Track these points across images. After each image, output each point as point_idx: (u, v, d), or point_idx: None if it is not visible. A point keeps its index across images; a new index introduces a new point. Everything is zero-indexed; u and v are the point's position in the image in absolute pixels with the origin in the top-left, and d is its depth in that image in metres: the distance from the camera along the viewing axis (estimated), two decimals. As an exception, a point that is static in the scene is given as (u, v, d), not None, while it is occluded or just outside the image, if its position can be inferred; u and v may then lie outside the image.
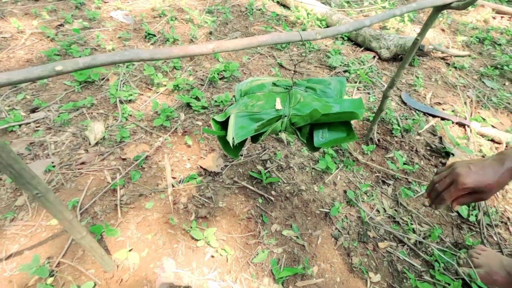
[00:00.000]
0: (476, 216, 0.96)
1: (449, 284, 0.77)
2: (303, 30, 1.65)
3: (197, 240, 0.81)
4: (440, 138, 1.21)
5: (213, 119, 0.59)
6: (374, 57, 1.68)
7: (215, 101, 1.27)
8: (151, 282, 0.74)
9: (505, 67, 1.69)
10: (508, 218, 0.97)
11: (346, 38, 1.81)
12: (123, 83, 1.37)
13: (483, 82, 1.63)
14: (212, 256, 0.80)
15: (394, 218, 0.93)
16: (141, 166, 1.02)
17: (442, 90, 1.53)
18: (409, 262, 0.83)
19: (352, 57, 1.67)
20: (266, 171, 1.02)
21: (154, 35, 1.72)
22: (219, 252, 0.80)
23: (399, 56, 1.68)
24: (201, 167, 1.02)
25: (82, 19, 1.76)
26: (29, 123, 1.16)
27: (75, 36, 1.60)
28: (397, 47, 1.60)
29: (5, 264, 0.75)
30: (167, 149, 1.09)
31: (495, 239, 0.91)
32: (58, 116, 1.16)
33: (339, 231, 0.88)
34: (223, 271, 0.77)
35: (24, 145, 1.08)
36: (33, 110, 1.22)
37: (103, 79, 1.38)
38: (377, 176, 1.06)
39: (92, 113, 1.22)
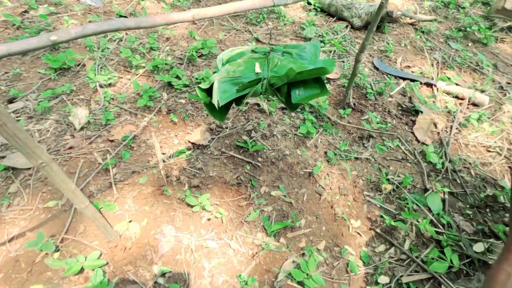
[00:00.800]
0: (442, 164, 1.07)
1: (418, 221, 0.87)
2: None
3: (192, 206, 0.86)
4: (410, 98, 1.30)
5: (199, 87, 0.63)
6: (347, 26, 1.73)
7: (196, 79, 1.30)
8: (154, 247, 0.79)
9: (468, 29, 1.79)
10: (470, 163, 1.09)
11: (319, 10, 1.84)
12: (101, 68, 1.35)
13: (448, 44, 1.72)
14: (208, 219, 0.86)
15: (371, 171, 1.02)
16: (130, 145, 1.05)
17: (411, 54, 1.61)
18: (385, 208, 0.93)
19: (326, 27, 1.72)
20: (252, 140, 1.07)
21: (126, 17, 1.68)
22: (214, 215, 0.86)
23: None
24: (189, 141, 1.06)
25: (48, 4, 1.68)
26: (16, 110, 1.15)
27: (43, 23, 1.54)
28: (368, 15, 1.66)
29: (9, 246, 0.78)
30: (154, 128, 1.12)
31: (459, 181, 1.03)
32: (38, 105, 1.15)
33: (322, 187, 0.97)
34: (219, 231, 0.84)
35: (7, 135, 1.07)
36: (10, 101, 1.20)
37: (79, 65, 1.36)
38: (354, 136, 1.14)
39: (72, 99, 1.21)
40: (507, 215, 0.94)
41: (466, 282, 0.78)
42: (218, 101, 0.57)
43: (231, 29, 1.64)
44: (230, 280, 0.75)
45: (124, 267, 0.75)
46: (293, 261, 0.78)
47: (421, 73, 1.47)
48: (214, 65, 0.78)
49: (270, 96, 0.64)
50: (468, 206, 0.97)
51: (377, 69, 1.47)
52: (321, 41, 1.58)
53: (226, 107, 0.65)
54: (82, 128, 1.10)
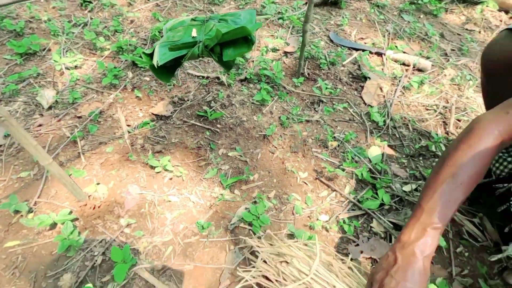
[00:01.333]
0: (384, 121, 1.19)
1: (356, 168, 1.00)
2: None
3: (155, 167, 0.96)
4: (359, 66, 1.41)
5: (143, 52, 0.71)
6: (305, 3, 1.81)
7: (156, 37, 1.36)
8: (120, 204, 0.89)
9: (420, 1, 1.90)
10: (408, 120, 1.21)
11: (280, -12, 1.91)
12: (66, 51, 1.40)
13: (401, 17, 1.84)
14: (170, 179, 0.96)
15: (320, 131, 1.13)
16: (97, 120, 1.12)
17: (365, 27, 1.72)
18: (330, 160, 1.04)
19: (286, 4, 1.79)
20: (211, 109, 1.16)
21: (91, 2, 1.71)
22: (175, 174, 0.96)
23: (329, 1, 1.83)
24: (153, 113, 1.14)
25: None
26: (-23, 97, 1.19)
27: (5, 10, 1.55)
28: (325, -9, 1.75)
29: (-14, 211, 0.86)
30: (119, 103, 1.19)
31: (398, 136, 1.16)
32: (6, 87, 1.19)
33: (275, 147, 1.07)
34: (180, 187, 0.94)
35: (-23, 118, 1.12)
36: (-22, 86, 1.24)
37: (44, 49, 1.40)
38: (306, 102, 1.24)
39: (39, 82, 1.26)
40: (436, 160, 1.08)
41: (394, 215, 0.91)
42: (157, 61, 0.65)
43: (194, 10, 1.69)
44: (190, 226, 0.85)
45: (93, 221, 0.84)
46: (246, 208, 0.89)
47: (373, 44, 1.58)
48: (163, 29, 0.85)
49: (206, 57, 0.72)
50: (404, 156, 1.09)
51: (332, 42, 1.57)
52: (281, 18, 1.67)
53: (172, 69, 0.73)
54: (50, 108, 1.16)
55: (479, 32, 1.78)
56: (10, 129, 0.59)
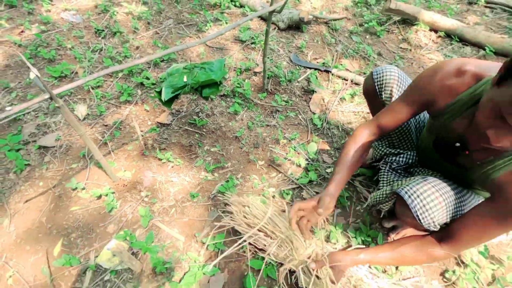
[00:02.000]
0: (322, 124, 1.68)
1: (296, 157, 1.49)
2: (222, 11, 2.20)
3: (161, 159, 1.44)
4: (308, 82, 1.90)
5: (155, 91, 1.18)
6: (274, 28, 2.28)
7: (160, 78, 1.83)
8: (140, 183, 1.37)
9: (366, 24, 2.38)
10: (340, 123, 1.71)
11: (254, 15, 2.37)
12: (89, 73, 1.86)
13: (351, 38, 2.31)
14: (172, 167, 1.44)
15: (276, 133, 1.62)
16: (119, 127, 1.59)
17: (320, 48, 2.19)
18: (280, 153, 1.54)
19: (259, 30, 2.26)
20: (199, 118, 1.64)
21: (103, 30, 2.16)
22: (175, 163, 1.44)
23: (294, 25, 2.30)
24: (158, 122, 1.62)
25: (38, 23, 2.13)
26: (29, 112, 1.65)
27: (38, 40, 2.00)
28: (289, 19, 2.21)
29: (53, 189, 1.33)
30: (133, 115, 1.66)
31: (330, 135, 1.65)
32: (50, 104, 1.66)
33: (243, 144, 1.56)
34: (179, 172, 1.43)
35: (33, 127, 1.59)
36: (29, 103, 1.70)
37: (72, 72, 1.86)
38: (267, 111, 1.73)
39: (73, 98, 1.73)
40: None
41: (318, 188, 1.41)
42: (164, 98, 1.13)
43: (185, 36, 2.15)
44: (185, 196, 1.34)
45: (124, 194, 1.33)
46: (221, 184, 1.38)
47: (323, 63, 2.06)
48: (165, 74, 1.32)
49: (192, 92, 1.20)
50: (332, 148, 1.59)
51: (292, 62, 2.04)
52: (253, 42, 2.13)
53: (170, 101, 1.20)
54: (84, 119, 1.63)
55: (410, 50, 2.27)
56: (64, 113, 1.06)
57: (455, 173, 1.01)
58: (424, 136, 1.13)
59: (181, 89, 1.15)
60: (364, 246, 1.23)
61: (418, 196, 0.92)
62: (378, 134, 1.09)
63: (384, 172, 1.29)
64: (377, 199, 1.20)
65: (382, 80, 1.17)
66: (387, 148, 1.30)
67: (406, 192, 0.94)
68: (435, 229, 0.97)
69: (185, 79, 1.16)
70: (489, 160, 0.84)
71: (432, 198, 0.91)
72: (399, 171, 1.27)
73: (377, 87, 1.19)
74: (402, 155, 1.26)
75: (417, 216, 0.91)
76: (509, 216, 0.78)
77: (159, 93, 1.18)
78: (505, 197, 0.79)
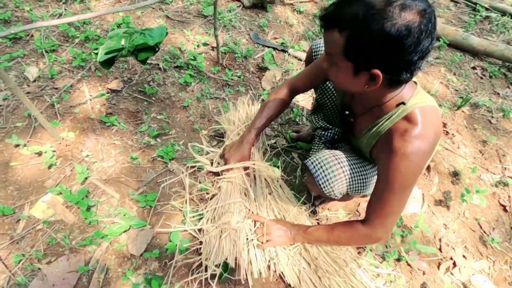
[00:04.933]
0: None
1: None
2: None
3: (106, 122, 1.49)
4: (263, 59, 1.95)
5: (93, 52, 1.22)
6: (239, 6, 2.31)
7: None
8: (83, 144, 1.42)
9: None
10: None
11: (221, -9, 2.38)
12: (45, 37, 1.85)
13: (314, 21, 2.37)
14: (116, 130, 1.49)
15: (224, 106, 1.68)
16: (69, 91, 1.62)
17: (282, 28, 2.24)
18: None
19: (223, 7, 2.28)
20: (150, 87, 1.68)
21: (64, -5, 2.13)
22: (119, 127, 1.49)
23: (259, 4, 2.32)
24: (108, 88, 1.65)
25: (-4, -17, 2.08)
26: (-21, 71, 1.65)
27: None
28: (253, -3, 2.24)
29: (-4, 145, 1.37)
30: (85, 80, 1.69)
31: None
32: (1, 64, 1.66)
33: (190, 114, 1.62)
34: (122, 136, 1.48)
35: (-19, 85, 1.60)
36: (-21, 62, 1.70)
37: (28, 35, 1.85)
38: (218, 85, 1.79)
39: (26, 61, 1.73)
40: (296, 126, 1.66)
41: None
42: (98, 59, 1.17)
43: (147, 7, 2.15)
44: (126, 158, 1.41)
45: (65, 153, 1.38)
46: (162, 150, 1.45)
47: (282, 43, 2.11)
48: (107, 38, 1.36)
49: (129, 55, 1.25)
50: (276, 123, 1.67)
51: (251, 39, 2.09)
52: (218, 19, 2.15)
53: (108, 63, 1.24)
54: (34, 81, 1.64)
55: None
56: (16, 92, 1.10)
57: (353, 145, 1.12)
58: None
59: (118, 52, 1.20)
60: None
61: (321, 167, 1.03)
62: (295, 91, 1.25)
63: (314, 144, 1.38)
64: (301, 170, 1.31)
65: (318, 50, 1.25)
66: (320, 122, 1.39)
67: (312, 163, 1.05)
68: (336, 198, 1.10)
69: (122, 43, 1.20)
70: (368, 129, 0.94)
71: (333, 170, 1.02)
72: (327, 145, 1.36)
73: (314, 57, 1.27)
74: (330, 130, 1.36)
75: (319, 185, 1.03)
76: (393, 180, 0.81)
77: (97, 54, 1.22)
78: (382, 164, 0.87)
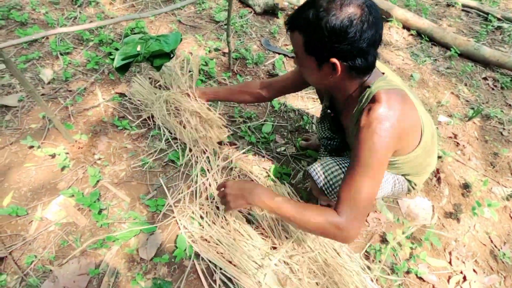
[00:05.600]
0: (280, 107, 1.76)
1: (250, 137, 1.57)
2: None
3: (118, 126, 1.50)
4: (273, 66, 1.96)
5: (109, 57, 1.24)
6: (250, 12, 2.32)
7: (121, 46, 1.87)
8: (95, 146, 1.44)
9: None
10: (298, 108, 1.79)
11: (233, -3, 2.40)
12: (60, 40, 1.89)
13: (325, 28, 2.37)
14: (128, 134, 1.51)
15: (232, 110, 1.69)
16: (82, 93, 1.64)
17: (293, 35, 2.25)
18: (235, 130, 1.61)
19: (235, 13, 2.30)
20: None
21: (79, -1, 2.17)
22: (131, 131, 1.51)
23: (270, 11, 2.34)
24: (118, 92, 1.67)
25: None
26: (-5, 72, 1.69)
27: (12, 2, 2.01)
28: (265, 4, 2.25)
29: (10, 147, 1.39)
30: (98, 83, 1.71)
31: (286, 117, 1.73)
32: (18, 66, 1.69)
33: (201, 119, 1.63)
34: (134, 140, 1.49)
35: (-2, 86, 1.63)
36: (-4, 63, 1.73)
37: (43, 37, 1.88)
38: (230, 90, 1.80)
39: (41, 63, 1.76)
40: (305, 134, 1.66)
41: (267, 163, 1.50)
42: (115, 65, 1.19)
43: (160, 12, 2.17)
44: (137, 162, 1.42)
45: (78, 155, 1.40)
46: (173, 154, 1.46)
47: (292, 50, 2.12)
48: (122, 43, 1.38)
49: (144, 61, 1.26)
50: (286, 131, 1.68)
51: (262, 46, 2.10)
52: (227, 24, 2.17)
53: (123, 69, 1.26)
54: (49, 83, 1.67)
55: (380, 45, 2.34)
56: (36, 98, 1.12)
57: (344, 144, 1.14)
58: None
59: (134, 58, 1.21)
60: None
61: (323, 173, 1.04)
62: (267, 87, 1.32)
63: (320, 153, 1.38)
64: (300, 177, 1.32)
65: None
66: (325, 132, 1.39)
67: (314, 170, 1.07)
68: None
69: (138, 49, 1.22)
70: (350, 121, 0.96)
71: (335, 174, 1.02)
72: (333, 154, 1.36)
73: None
74: (336, 140, 1.36)
75: (323, 190, 1.04)
76: (359, 157, 0.82)
77: (113, 60, 1.23)
78: (352, 146, 0.91)
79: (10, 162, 1.35)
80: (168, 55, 1.26)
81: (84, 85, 1.67)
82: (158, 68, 1.29)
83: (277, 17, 2.34)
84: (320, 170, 1.04)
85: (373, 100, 0.83)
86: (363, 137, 0.82)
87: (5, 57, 0.97)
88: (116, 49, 1.88)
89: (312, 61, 0.82)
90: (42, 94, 1.61)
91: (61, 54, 1.81)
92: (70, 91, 1.65)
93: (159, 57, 1.24)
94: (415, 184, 1.17)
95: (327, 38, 0.74)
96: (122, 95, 1.66)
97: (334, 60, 0.78)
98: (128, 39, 1.28)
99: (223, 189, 1.01)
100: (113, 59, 1.23)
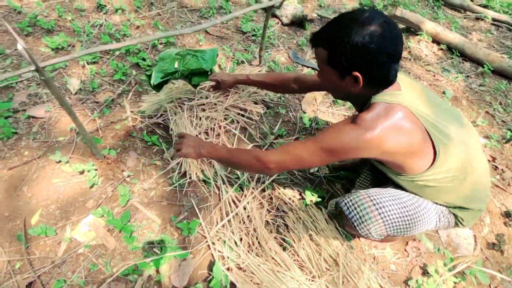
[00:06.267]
0: (310, 124, 1.70)
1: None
2: None
3: (147, 141, 1.46)
4: (304, 81, 1.90)
5: (145, 74, 1.19)
6: (277, 22, 2.27)
7: (156, 61, 1.83)
8: (124, 163, 1.39)
9: (369, 29, 2.37)
10: (328, 124, 1.72)
11: (259, 7, 2.35)
12: (86, 49, 1.85)
13: (353, 40, 2.31)
14: (157, 150, 1.46)
15: (264, 128, 1.63)
16: (110, 105, 1.60)
17: (320, 47, 2.19)
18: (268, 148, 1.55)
19: (261, 23, 2.25)
20: (190, 105, 1.65)
21: (105, 6, 2.14)
22: (161, 147, 1.46)
23: (297, 22, 2.29)
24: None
25: (39, -9, 2.10)
26: (22, 80, 1.66)
27: (39, 8, 1.98)
28: (292, 15, 2.20)
29: (38, 160, 1.35)
30: (125, 94, 1.67)
31: (317, 135, 1.67)
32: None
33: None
34: (163, 156, 1.44)
35: (24, 96, 1.59)
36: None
37: (70, 45, 1.85)
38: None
39: (67, 72, 1.73)
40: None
41: (298, 187, 1.44)
42: (153, 83, 1.14)
43: (187, 21, 2.14)
44: (167, 180, 1.37)
45: (107, 172, 1.35)
46: (202, 171, 1.40)
47: (321, 63, 2.06)
48: (157, 58, 1.33)
49: (182, 78, 1.21)
50: (318, 149, 1.61)
51: (290, 59, 2.04)
52: (254, 35, 2.13)
53: (159, 86, 1.21)
54: (76, 93, 1.64)
55: (410, 59, 2.27)
56: (69, 112, 1.07)
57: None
58: None
59: (171, 75, 1.16)
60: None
61: (355, 209, 0.99)
62: (299, 81, 1.37)
63: (360, 180, 1.32)
64: (332, 207, 1.26)
65: None
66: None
67: (345, 204, 1.01)
68: (376, 239, 1.04)
69: (176, 66, 1.17)
70: None
71: (368, 211, 0.97)
72: (373, 185, 1.29)
73: None
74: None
75: (355, 227, 0.98)
76: (316, 134, 0.96)
77: (149, 76, 1.19)
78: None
79: (38, 177, 1.31)
80: (206, 73, 1.21)
81: (112, 97, 1.63)
82: (196, 86, 1.24)
83: (305, 29, 2.28)
84: (352, 205, 1.00)
85: (367, 107, 0.90)
86: (338, 122, 0.93)
87: (46, 75, 0.93)
88: (143, 59, 1.84)
89: (335, 74, 0.88)
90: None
91: (87, 63, 1.77)
92: (97, 102, 1.61)
93: (197, 74, 1.19)
94: (462, 219, 1.09)
95: (350, 53, 0.80)
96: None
97: (356, 73, 0.84)
98: (164, 54, 1.24)
99: (182, 138, 1.18)
100: (148, 76, 1.19)
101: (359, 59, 0.81)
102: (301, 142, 0.97)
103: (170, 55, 1.23)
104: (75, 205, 1.25)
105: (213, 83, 1.58)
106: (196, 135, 1.47)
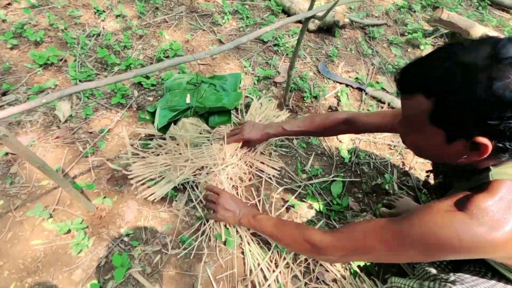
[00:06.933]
0: (350, 157, 1.39)
1: (318, 202, 1.21)
2: (243, 2, 1.87)
3: (150, 187, 1.17)
4: (339, 100, 1.59)
5: (147, 110, 0.90)
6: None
7: (162, 79, 1.54)
8: (121, 216, 1.10)
9: (409, 35, 2.03)
10: (371, 158, 1.41)
11: (280, 11, 2.04)
12: (81, 64, 1.57)
13: (390, 49, 1.98)
14: (162, 198, 1.17)
15: (294, 163, 1.33)
16: (106, 137, 1.32)
17: (354, 59, 1.87)
18: (300, 191, 1.25)
19: (283, 30, 1.93)
20: (203, 135, 1.36)
21: (104, 11, 1.85)
22: (169, 193, 1.17)
23: (325, 28, 1.97)
24: (149, 134, 1.34)
25: (27, -3, 1.82)
26: (2, 105, 1.38)
27: (26, 17, 1.71)
28: (322, 21, 1.87)
29: (15, 212, 1.08)
30: (125, 122, 1.38)
31: (359, 172, 1.36)
32: (28, 98, 1.38)
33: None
34: (169, 206, 1.15)
35: (4, 125, 1.32)
36: (4, 94, 1.43)
37: (61, 60, 1.57)
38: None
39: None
40: (387, 198, 1.29)
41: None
42: (157, 124, 0.84)
43: (197, 29, 1.84)
44: (175, 239, 1.08)
45: (99, 229, 1.07)
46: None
47: (356, 78, 1.74)
48: (163, 87, 1.03)
49: (196, 117, 0.91)
50: (361, 191, 1.30)
51: (319, 73, 1.73)
52: (276, 44, 1.82)
53: (167, 126, 0.92)
54: (66, 121, 1.35)
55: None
56: (46, 173, 0.79)
57: None
58: None
59: (181, 113, 0.87)
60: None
61: None
62: (353, 121, 1.06)
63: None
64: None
65: None
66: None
67: None
68: None
69: (188, 100, 0.87)
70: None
71: None
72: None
73: None
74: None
75: None
76: (396, 221, 0.66)
77: (153, 114, 0.89)
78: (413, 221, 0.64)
79: (13, 237, 1.03)
80: (228, 112, 0.90)
81: (109, 126, 1.34)
82: (213, 127, 0.94)
83: (334, 36, 1.96)
84: None
85: (484, 187, 0.61)
86: (432, 206, 0.63)
87: (2, 131, 0.64)
88: (147, 77, 1.55)
89: (438, 134, 0.59)
90: (57, 137, 1.29)
91: (80, 81, 1.49)
92: (91, 133, 1.33)
93: (216, 113, 0.89)
94: None
95: (483, 111, 0.52)
96: (152, 137, 1.33)
97: (483, 139, 0.54)
98: (172, 82, 0.94)
99: (217, 196, 1.05)
100: (151, 113, 0.89)
101: (497, 122, 0.51)
102: (374, 229, 0.69)
103: (180, 84, 0.93)
104: (59, 277, 0.97)
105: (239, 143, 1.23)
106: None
